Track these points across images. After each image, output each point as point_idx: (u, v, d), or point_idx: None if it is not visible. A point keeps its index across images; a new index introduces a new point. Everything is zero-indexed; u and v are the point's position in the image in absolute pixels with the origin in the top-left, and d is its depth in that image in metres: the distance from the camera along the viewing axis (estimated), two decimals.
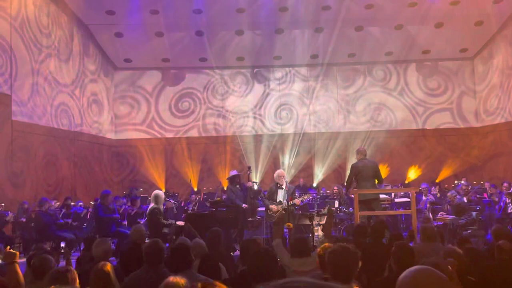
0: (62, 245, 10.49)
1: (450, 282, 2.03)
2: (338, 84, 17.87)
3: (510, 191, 12.25)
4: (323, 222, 10.77)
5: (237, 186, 10.96)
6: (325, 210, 11.07)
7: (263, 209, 10.54)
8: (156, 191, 9.52)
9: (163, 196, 9.52)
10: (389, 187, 14.15)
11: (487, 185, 14.68)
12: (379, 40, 16.38)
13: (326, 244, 4.54)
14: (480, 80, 17.57)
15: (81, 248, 11.24)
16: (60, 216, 11.26)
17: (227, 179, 11.38)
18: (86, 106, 15.61)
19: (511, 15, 15.48)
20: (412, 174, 16.53)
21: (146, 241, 6.86)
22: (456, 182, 15.41)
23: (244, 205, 10.60)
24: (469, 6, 14.76)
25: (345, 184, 10.50)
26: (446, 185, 16.09)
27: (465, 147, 17.03)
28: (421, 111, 17.79)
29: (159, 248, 4.56)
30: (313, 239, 9.60)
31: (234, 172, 11.22)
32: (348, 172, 10.23)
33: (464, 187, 12.71)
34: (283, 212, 9.73)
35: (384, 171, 15.02)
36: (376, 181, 9.77)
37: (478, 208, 11.52)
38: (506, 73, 16.16)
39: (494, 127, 16.76)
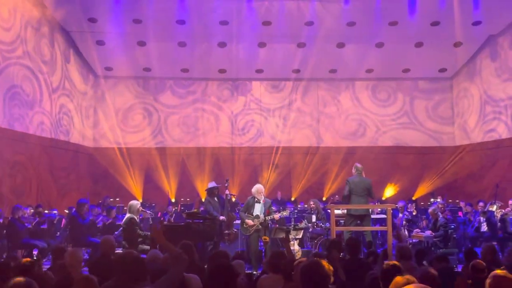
0: (35, 252, 10.32)
1: None
2: (319, 99, 17.97)
3: (485, 210, 12.41)
4: (300, 236, 10.79)
5: (215, 198, 10.92)
6: (302, 224, 11.09)
7: (239, 221, 10.51)
8: (133, 202, 9.45)
9: (139, 206, 9.42)
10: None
11: (462, 204, 14.84)
12: (360, 57, 16.53)
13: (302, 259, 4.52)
14: (458, 100, 17.82)
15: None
16: (34, 224, 11.08)
17: (206, 190, 11.31)
18: (63, 113, 15.41)
19: (489, 37, 15.78)
20: (389, 191, 16.62)
21: (116, 251, 6.77)
22: (432, 200, 15.55)
23: (221, 217, 10.55)
24: (448, 27, 14.99)
25: (343, 197, 10.83)
26: (422, 203, 16.22)
27: (442, 165, 17.19)
28: (398, 128, 17.98)
29: (133, 260, 4.46)
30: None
31: (212, 184, 11.16)
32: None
33: (440, 205, 12.83)
34: (260, 226, 9.72)
35: None
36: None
37: (453, 227, 11.64)
38: (484, 94, 16.43)
39: (471, 146, 16.98)
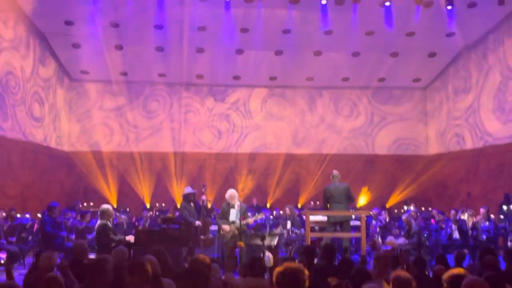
0: (3, 255, 10.08)
1: None
2: (295, 106, 18.05)
3: (457, 218, 12.60)
4: (275, 242, 10.78)
5: (191, 203, 10.84)
6: (277, 230, 11.09)
7: (216, 227, 10.46)
8: (104, 206, 9.11)
9: (111, 210, 9.19)
10: None
11: (434, 211, 15.03)
12: (337, 65, 16.67)
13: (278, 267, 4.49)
14: (431, 110, 18.09)
15: (25, 262, 10.85)
16: (5, 228, 10.85)
17: (182, 196, 11.23)
18: (38, 116, 15.16)
19: (463, 48, 16.06)
20: (363, 198, 16.72)
21: (90, 256, 6.66)
22: (405, 207, 15.71)
23: (197, 223, 10.50)
24: (423, 38, 15.23)
25: (323, 206, 10.85)
26: (395, 210, 16.37)
27: (414, 174, 17.37)
28: (372, 136, 18.16)
29: (103, 265, 4.40)
30: (263, 259, 9.57)
31: (189, 189, 11.07)
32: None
33: (413, 213, 12.98)
34: (236, 232, 9.69)
35: None
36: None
37: (425, 234, 11.77)
38: (456, 104, 16.71)
39: (443, 155, 17.22)
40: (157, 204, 16.45)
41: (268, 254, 10.00)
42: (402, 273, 4.24)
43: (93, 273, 4.26)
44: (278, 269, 3.05)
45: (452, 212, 13.20)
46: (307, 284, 3.03)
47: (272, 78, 17.50)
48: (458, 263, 6.61)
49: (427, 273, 6.59)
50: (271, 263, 9.68)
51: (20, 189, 14.05)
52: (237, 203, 9.91)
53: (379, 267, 5.74)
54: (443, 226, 13.04)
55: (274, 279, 3.05)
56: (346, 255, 10.21)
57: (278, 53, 16.26)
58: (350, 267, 5.98)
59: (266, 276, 6.13)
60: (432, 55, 16.43)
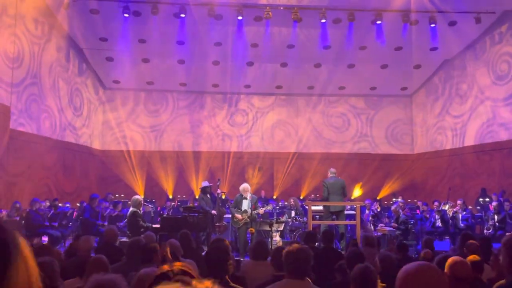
0: (45, 238, 10.18)
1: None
2: (298, 111, 18.03)
3: (440, 209, 12.54)
4: (281, 228, 10.80)
5: (208, 195, 10.88)
6: (283, 218, 11.10)
7: (230, 215, 10.49)
8: (135, 196, 9.35)
9: (141, 200, 9.34)
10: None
11: (419, 203, 14.96)
12: (334, 76, 16.63)
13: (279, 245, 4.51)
14: (416, 114, 18.01)
15: (66, 244, 10.92)
16: (49, 215, 10.94)
17: (200, 188, 11.28)
18: (76, 119, 15.27)
19: (444, 61, 15.99)
20: (358, 191, 16.67)
21: (121, 240, 6.72)
22: (393, 199, 15.64)
23: (213, 211, 10.53)
24: (410, 51, 15.19)
25: (322, 198, 10.85)
26: (385, 202, 16.31)
27: (402, 170, 17.31)
28: (365, 137, 18.10)
29: (139, 245, 4.44)
30: (271, 243, 9.59)
31: (205, 183, 11.14)
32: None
33: (401, 204, 12.92)
34: (248, 220, 9.72)
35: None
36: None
37: (412, 222, 11.74)
38: (438, 110, 16.63)
39: (426, 154, 17.15)
40: (179, 196, 16.49)
41: (276, 238, 10.04)
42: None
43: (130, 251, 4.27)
44: (289, 249, 3.06)
45: (435, 203, 13.12)
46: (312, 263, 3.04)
47: (278, 87, 17.50)
48: (427, 247, 6.62)
49: (410, 255, 6.57)
50: (278, 245, 9.73)
51: (60, 183, 14.14)
52: (248, 195, 9.94)
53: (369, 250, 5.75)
54: (427, 215, 12.99)
55: (284, 257, 3.06)
56: (342, 240, 10.24)
57: (283, 65, 16.26)
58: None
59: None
60: (417, 67, 16.36)
